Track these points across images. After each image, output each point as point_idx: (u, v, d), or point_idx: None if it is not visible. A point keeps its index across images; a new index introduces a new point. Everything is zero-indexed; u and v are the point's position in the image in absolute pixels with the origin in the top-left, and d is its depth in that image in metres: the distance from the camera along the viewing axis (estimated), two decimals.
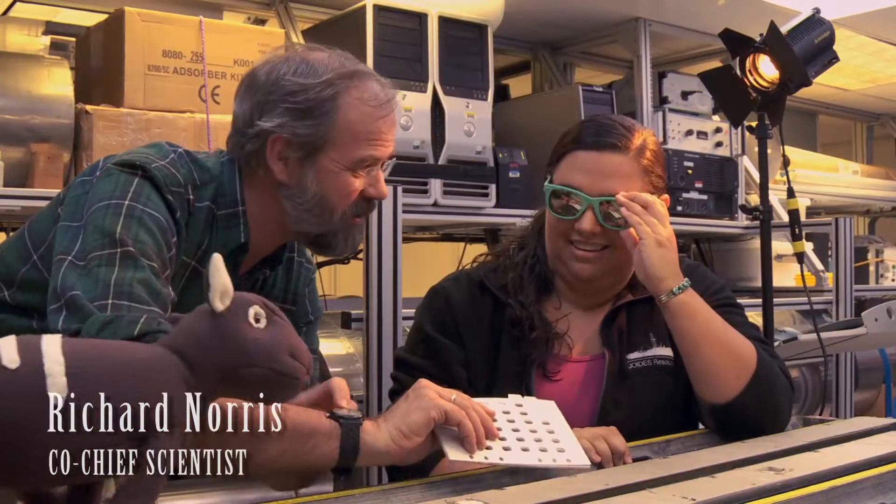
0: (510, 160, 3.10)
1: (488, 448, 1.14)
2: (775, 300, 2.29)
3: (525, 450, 1.16)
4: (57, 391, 0.81)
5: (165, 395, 0.86)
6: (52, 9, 3.12)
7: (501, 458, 1.13)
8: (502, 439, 1.17)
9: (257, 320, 0.90)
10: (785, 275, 3.65)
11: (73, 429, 0.82)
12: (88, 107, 2.40)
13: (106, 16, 2.65)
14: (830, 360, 3.26)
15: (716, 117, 3.72)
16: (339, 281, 4.55)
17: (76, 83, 2.53)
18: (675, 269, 1.45)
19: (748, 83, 2.11)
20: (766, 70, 2.10)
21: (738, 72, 2.13)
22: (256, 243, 1.43)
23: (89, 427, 0.82)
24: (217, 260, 0.90)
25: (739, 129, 3.72)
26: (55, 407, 0.81)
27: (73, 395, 0.81)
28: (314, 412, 1.17)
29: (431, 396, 1.17)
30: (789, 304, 3.47)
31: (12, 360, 0.81)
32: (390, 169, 1.45)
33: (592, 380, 1.52)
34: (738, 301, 1.62)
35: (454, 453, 1.12)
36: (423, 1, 2.94)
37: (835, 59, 2.13)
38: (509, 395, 1.28)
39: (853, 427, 1.43)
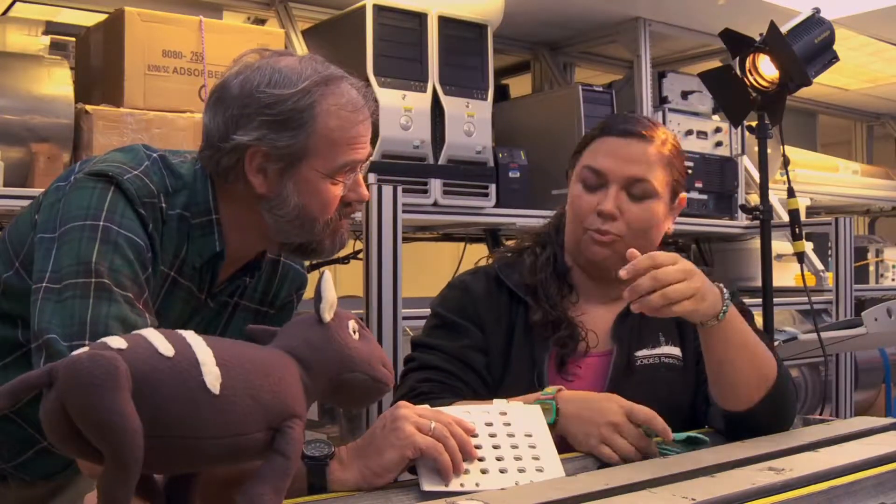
0: (510, 160, 3.11)
1: (466, 472, 1.14)
2: (775, 300, 2.29)
3: (503, 471, 1.16)
4: (212, 379, 0.85)
5: (294, 390, 0.94)
6: (52, 9, 3.12)
7: (478, 484, 1.13)
8: (481, 459, 1.16)
9: (354, 332, 1.00)
10: (785, 274, 3.65)
11: (226, 416, 0.86)
12: (88, 107, 2.40)
13: (106, 16, 2.65)
14: (830, 360, 3.26)
15: (716, 117, 3.72)
16: (339, 281, 4.55)
17: (76, 83, 2.53)
18: (704, 308, 1.33)
19: (748, 83, 2.11)
20: (766, 70, 2.10)
21: (738, 72, 2.13)
22: (235, 251, 1.41)
23: (238, 415, 0.87)
24: (328, 275, 0.99)
25: (739, 129, 3.72)
26: (215, 394, 0.85)
27: (225, 385, 0.86)
28: None
29: (408, 432, 1.13)
30: (789, 303, 3.48)
31: (167, 348, 0.85)
32: (367, 169, 1.44)
33: (599, 374, 1.54)
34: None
35: (429, 484, 1.12)
36: (423, 1, 2.94)
37: (835, 59, 2.14)
38: (494, 401, 1.28)
39: (853, 427, 1.43)
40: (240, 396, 0.87)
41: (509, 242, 1.76)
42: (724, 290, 1.36)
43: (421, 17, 2.92)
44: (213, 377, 0.85)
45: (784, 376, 1.44)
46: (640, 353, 1.54)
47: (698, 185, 3.63)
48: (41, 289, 1.22)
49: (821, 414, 2.86)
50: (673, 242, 4.05)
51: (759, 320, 2.02)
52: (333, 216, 1.38)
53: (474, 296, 1.58)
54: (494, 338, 1.56)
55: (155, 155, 1.37)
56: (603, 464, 1.27)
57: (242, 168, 1.34)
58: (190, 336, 0.88)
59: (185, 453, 0.86)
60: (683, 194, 1.62)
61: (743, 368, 1.39)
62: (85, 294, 1.20)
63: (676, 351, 1.56)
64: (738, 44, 2.12)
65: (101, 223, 1.24)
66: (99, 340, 0.85)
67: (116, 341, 0.84)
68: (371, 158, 2.80)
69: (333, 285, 0.99)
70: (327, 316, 0.98)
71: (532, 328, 1.55)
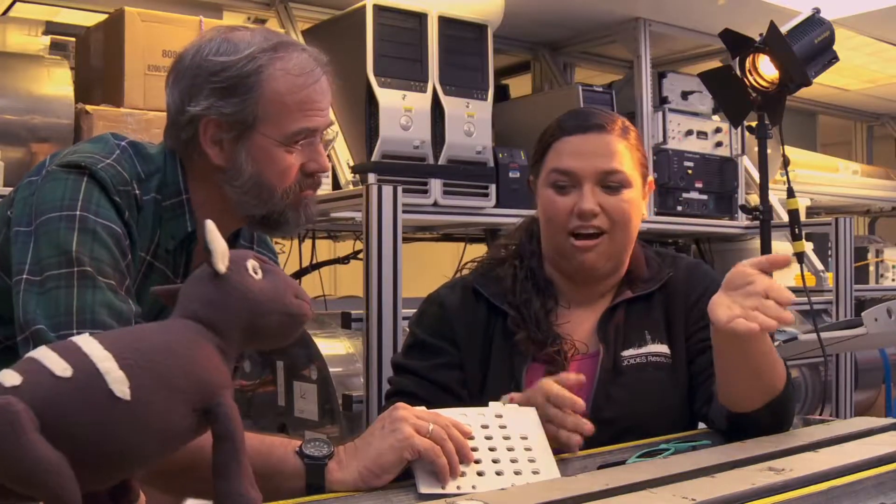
0: (510, 160, 3.11)
1: (462, 475, 1.14)
2: None
3: (499, 473, 1.16)
4: (119, 386, 0.80)
5: (209, 361, 0.88)
6: (52, 9, 3.12)
7: (474, 487, 1.13)
8: (477, 461, 1.16)
9: (255, 272, 0.93)
10: (785, 275, 3.65)
11: (145, 418, 0.82)
12: (88, 107, 2.40)
13: (106, 16, 2.65)
14: (830, 360, 3.26)
15: (716, 117, 3.72)
16: (339, 281, 4.55)
17: (76, 83, 2.54)
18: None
19: (748, 83, 2.11)
20: (766, 70, 2.10)
21: (738, 72, 2.13)
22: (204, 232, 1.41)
23: (158, 413, 0.83)
24: (210, 225, 0.92)
25: (739, 129, 3.72)
26: (127, 401, 0.80)
27: (135, 386, 0.81)
28: (279, 447, 1.15)
29: (406, 434, 1.13)
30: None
31: (64, 368, 0.80)
32: (332, 145, 1.42)
33: (586, 376, 1.51)
34: None
35: (426, 486, 1.12)
36: (423, 1, 2.94)
37: (835, 59, 2.14)
38: (490, 404, 1.27)
39: (853, 427, 1.42)
40: (154, 392, 0.82)
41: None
42: None
43: (421, 17, 2.92)
44: (119, 384, 0.80)
45: (789, 390, 1.42)
46: (626, 353, 1.52)
47: (698, 185, 3.63)
48: (21, 281, 1.22)
49: (821, 414, 2.86)
50: (673, 242, 4.06)
51: None
52: (293, 186, 1.36)
53: (449, 311, 1.57)
54: (470, 351, 1.54)
55: (124, 143, 1.37)
56: (603, 464, 1.27)
57: (199, 140, 1.34)
58: (85, 343, 0.83)
59: (118, 466, 0.82)
60: (651, 177, 1.62)
61: (754, 377, 1.36)
62: (69, 283, 1.20)
63: (664, 349, 1.53)
64: (738, 44, 2.12)
65: (78, 213, 1.24)
66: None
67: (9, 378, 0.79)
68: (372, 158, 2.82)
69: (218, 232, 0.92)
70: (221, 267, 0.91)
71: (511, 339, 1.53)
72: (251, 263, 0.94)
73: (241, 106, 1.32)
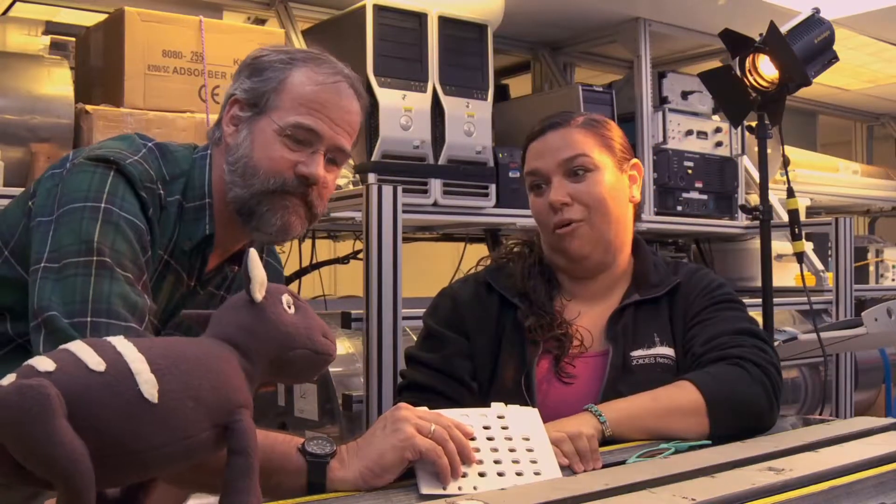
0: (510, 160, 3.10)
1: (464, 476, 1.14)
2: (775, 300, 2.29)
3: (500, 474, 1.16)
4: (149, 388, 0.82)
5: (235, 380, 0.90)
6: (52, 9, 3.12)
7: (475, 487, 1.13)
8: (479, 462, 1.16)
9: (289, 306, 0.96)
10: (785, 275, 3.65)
11: (168, 423, 0.83)
12: (88, 107, 2.40)
13: (106, 16, 2.65)
14: (830, 360, 3.26)
15: (716, 117, 3.72)
16: (339, 281, 4.55)
17: (76, 83, 2.53)
18: (579, 425, 1.32)
19: (748, 83, 2.11)
20: (765, 70, 2.10)
21: (738, 72, 2.13)
22: (221, 236, 1.42)
23: (181, 420, 0.84)
24: (253, 254, 0.95)
25: (739, 129, 3.72)
26: (154, 403, 0.82)
27: (164, 391, 0.83)
28: (282, 444, 1.15)
29: (408, 434, 1.13)
30: (789, 304, 3.47)
31: (98, 362, 0.81)
32: (340, 174, 1.45)
33: (595, 375, 1.54)
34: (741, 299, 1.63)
35: (427, 487, 1.12)
36: (423, 1, 2.94)
37: (835, 59, 2.14)
38: (492, 405, 1.28)
39: (853, 427, 1.43)
40: (180, 400, 0.84)
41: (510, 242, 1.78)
42: (593, 410, 1.37)
43: (421, 17, 2.92)
44: (149, 385, 0.82)
45: (716, 395, 1.42)
46: (635, 353, 1.55)
47: (698, 185, 3.63)
48: (39, 269, 1.22)
49: (821, 414, 2.86)
50: (673, 242, 4.06)
51: (759, 320, 2.02)
52: (279, 180, 1.38)
53: (460, 303, 1.61)
54: (480, 342, 1.58)
55: (151, 144, 1.40)
56: (603, 464, 1.27)
57: (223, 118, 1.43)
58: (120, 344, 0.85)
59: (134, 466, 0.83)
60: (635, 160, 1.66)
61: (665, 427, 1.39)
62: (87, 272, 1.21)
63: (670, 352, 1.56)
64: (737, 44, 2.12)
65: (103, 205, 1.26)
66: (25, 363, 0.82)
67: (44, 363, 0.80)
68: (372, 158, 2.82)
69: (260, 261, 0.95)
70: (258, 295, 0.94)
71: (522, 331, 1.57)
72: (286, 298, 0.97)
73: (259, 85, 1.39)
